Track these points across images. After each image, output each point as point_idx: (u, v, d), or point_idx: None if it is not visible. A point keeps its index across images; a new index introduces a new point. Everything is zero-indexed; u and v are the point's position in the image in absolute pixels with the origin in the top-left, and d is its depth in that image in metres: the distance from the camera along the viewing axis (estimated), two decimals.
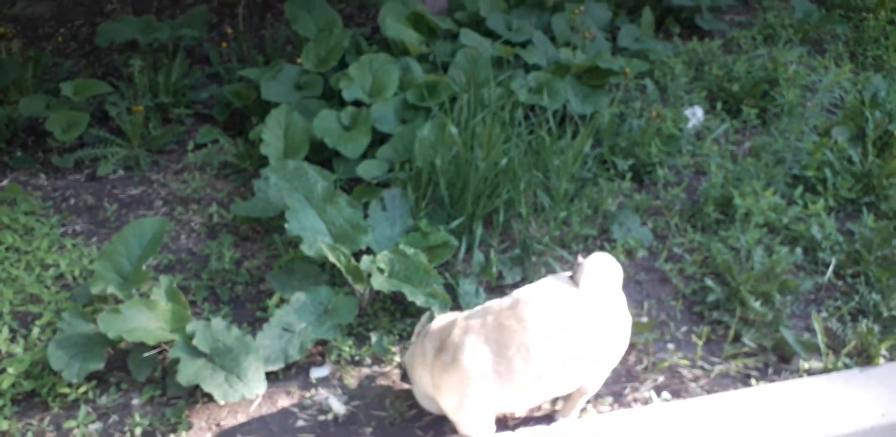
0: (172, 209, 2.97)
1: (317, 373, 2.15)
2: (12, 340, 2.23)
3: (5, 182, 3.12)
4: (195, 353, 1.99)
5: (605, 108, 3.23)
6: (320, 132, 3.00)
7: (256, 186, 2.80)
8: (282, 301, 2.29)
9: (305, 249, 2.30)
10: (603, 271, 1.82)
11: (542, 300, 1.76)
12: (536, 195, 2.67)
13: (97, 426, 1.98)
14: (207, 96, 3.72)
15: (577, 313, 1.76)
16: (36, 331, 2.19)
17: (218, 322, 2.05)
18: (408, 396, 2.09)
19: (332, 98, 3.36)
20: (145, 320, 2.02)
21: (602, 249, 2.65)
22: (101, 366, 2.04)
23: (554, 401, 2.01)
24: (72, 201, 3.02)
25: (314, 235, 2.35)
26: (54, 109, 3.32)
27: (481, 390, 1.73)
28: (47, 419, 2.01)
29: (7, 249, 2.60)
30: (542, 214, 2.65)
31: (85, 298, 2.26)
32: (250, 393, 1.94)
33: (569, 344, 1.74)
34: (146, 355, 2.06)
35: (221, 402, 1.97)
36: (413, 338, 2.16)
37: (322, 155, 3.04)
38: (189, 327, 2.02)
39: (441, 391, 1.77)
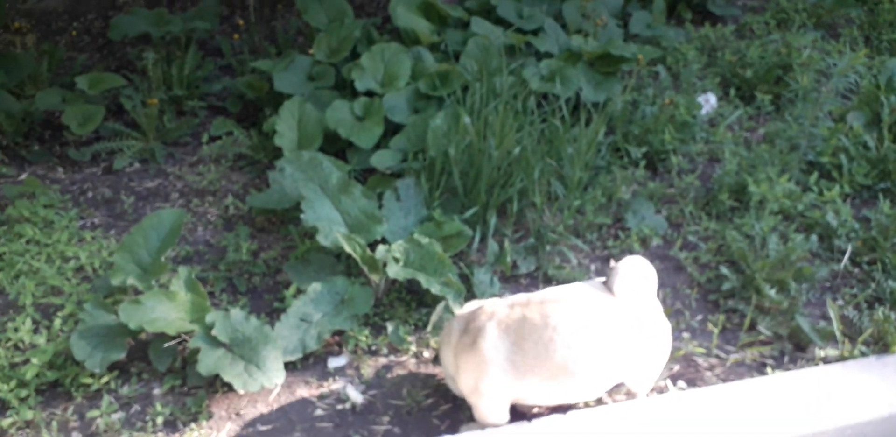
0: (189, 201, 3.00)
1: (334, 363, 2.18)
2: (35, 331, 2.27)
3: (24, 176, 3.16)
4: (215, 343, 2.02)
5: (617, 95, 3.22)
6: (333, 123, 3.01)
7: (271, 178, 2.83)
8: (299, 292, 2.31)
9: (321, 239, 2.32)
10: (638, 277, 1.82)
11: (569, 301, 1.77)
12: (550, 184, 2.67)
13: (120, 415, 2.02)
14: (220, 88, 3.74)
15: (606, 318, 1.77)
16: (58, 322, 2.23)
17: (237, 313, 2.07)
18: (424, 385, 2.12)
19: (345, 89, 3.37)
20: (165, 311, 2.05)
21: (616, 237, 2.65)
22: (122, 356, 2.07)
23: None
24: (89, 194, 3.06)
25: (330, 225, 2.37)
26: (70, 103, 3.35)
27: (496, 376, 1.76)
28: (71, 408, 2.05)
29: (28, 242, 2.64)
30: (555, 202, 2.65)
31: (105, 289, 2.29)
32: (269, 382, 1.97)
33: (591, 348, 1.75)
34: (167, 345, 2.10)
35: (241, 391, 2.00)
36: (429, 327, 2.18)
37: (336, 146, 3.06)
38: (208, 318, 2.05)
39: (460, 372, 1.82)
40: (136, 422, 2.01)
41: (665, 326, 1.88)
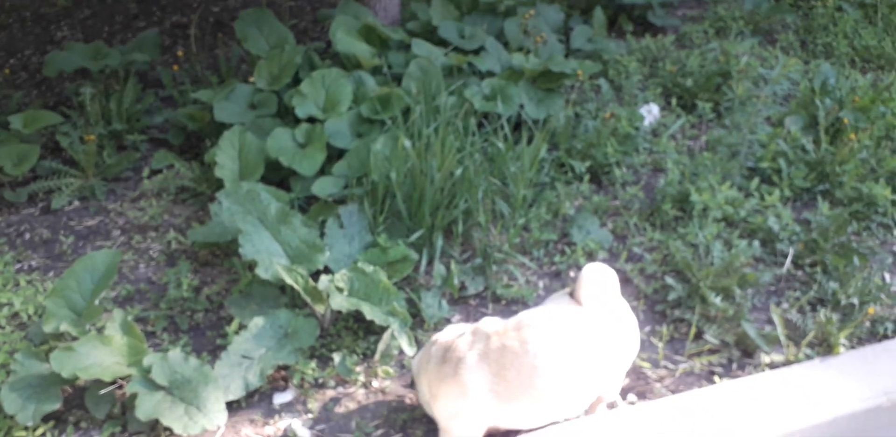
0: (130, 238, 2.93)
1: (280, 399, 2.12)
2: None
3: None
4: (153, 386, 1.96)
5: (559, 111, 3.24)
6: (275, 151, 2.98)
7: (212, 211, 2.78)
8: (241, 327, 2.26)
9: (261, 272, 2.28)
10: (600, 282, 1.82)
11: (545, 325, 1.76)
12: (495, 203, 2.67)
13: None
14: (162, 121, 3.68)
15: (582, 334, 1.77)
16: None
17: (175, 354, 2.01)
18: (374, 415, 2.07)
19: (287, 116, 3.34)
20: (101, 356, 1.99)
21: (563, 253, 2.65)
22: (57, 406, 2.00)
23: None
24: (27, 236, 2.97)
25: (269, 257, 2.33)
26: (4, 143, 3.27)
27: (477, 405, 1.76)
28: None
29: None
30: (501, 221, 2.64)
31: (39, 337, 2.22)
32: (211, 424, 1.92)
33: (573, 368, 1.75)
34: (103, 392, 2.03)
35: (183, 435, 1.94)
36: (377, 356, 2.15)
37: (279, 174, 3.02)
38: (146, 361, 1.99)
39: (437, 399, 1.80)
40: None
41: (633, 323, 1.89)
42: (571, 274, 2.54)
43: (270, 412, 2.09)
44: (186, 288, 2.52)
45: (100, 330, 2.19)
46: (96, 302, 2.15)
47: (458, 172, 2.58)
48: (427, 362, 1.85)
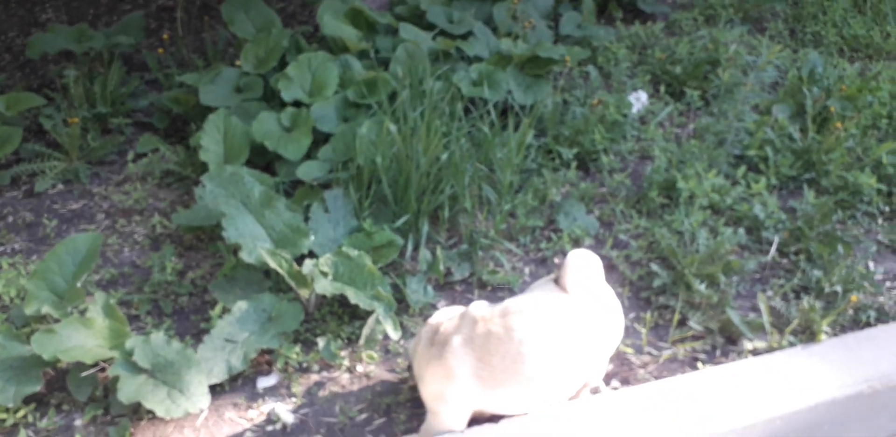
0: (115, 222, 2.90)
1: (263, 383, 2.12)
2: None
3: None
4: (136, 369, 1.95)
5: (547, 97, 3.23)
6: (260, 135, 2.95)
7: (197, 194, 2.75)
8: (225, 311, 2.25)
9: (245, 256, 2.26)
10: (585, 269, 1.82)
11: (531, 311, 1.76)
12: (481, 189, 2.66)
13: None
14: (147, 104, 3.64)
15: (568, 321, 1.77)
16: None
17: (158, 337, 2.00)
18: (358, 400, 2.07)
19: (273, 100, 3.31)
20: (82, 339, 1.97)
21: (549, 239, 2.65)
22: (38, 388, 1.98)
23: None
24: (9, 219, 2.93)
25: (253, 241, 2.31)
26: None
27: (461, 389, 1.76)
28: None
29: None
30: (487, 207, 2.63)
31: (21, 319, 2.19)
32: (194, 407, 1.91)
33: (559, 355, 1.75)
34: (85, 374, 2.01)
35: (166, 418, 1.93)
36: (361, 340, 2.15)
37: (264, 158, 3.00)
38: (128, 343, 1.98)
39: (424, 381, 1.81)
40: None
41: (617, 309, 1.90)
42: (557, 260, 2.54)
43: (254, 396, 2.08)
44: (170, 272, 2.50)
45: (82, 313, 2.17)
46: (78, 285, 2.13)
47: (445, 156, 2.56)
48: (418, 343, 1.87)
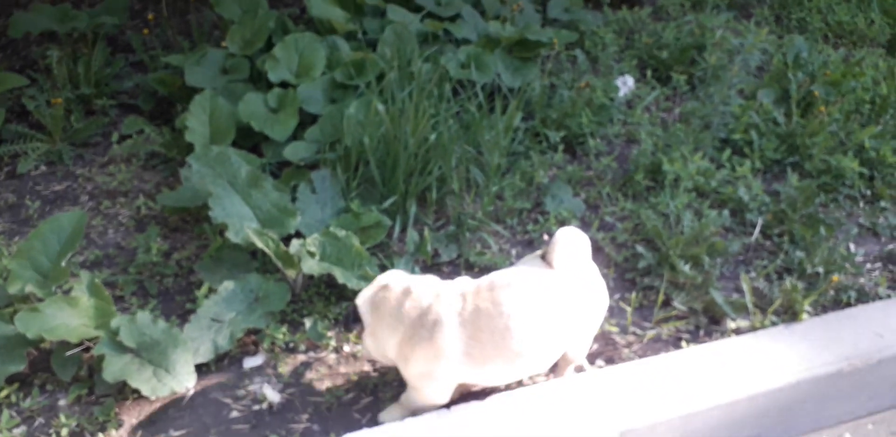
0: (99, 203, 2.88)
1: (250, 363, 2.12)
2: None
3: None
4: (121, 349, 1.94)
5: (535, 80, 3.23)
6: (246, 116, 2.93)
7: (183, 175, 2.74)
8: (211, 291, 2.24)
9: (232, 236, 2.26)
10: (573, 246, 1.83)
11: (517, 285, 1.77)
12: (469, 171, 2.66)
13: (21, 430, 1.93)
14: (132, 85, 3.59)
15: (553, 295, 1.78)
16: None
17: (144, 316, 2.00)
18: (345, 380, 2.08)
19: (260, 81, 3.28)
20: (67, 318, 1.96)
21: (536, 222, 2.66)
22: (21, 368, 1.97)
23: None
24: None
25: (240, 221, 2.30)
26: None
27: (450, 368, 1.77)
28: None
29: None
30: (475, 189, 2.64)
31: (4, 299, 2.17)
32: (180, 387, 1.91)
33: (544, 328, 1.76)
34: (69, 353, 2.00)
35: (152, 397, 1.93)
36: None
37: (250, 140, 2.97)
38: (114, 323, 1.97)
39: (410, 361, 1.79)
40: (39, 436, 1.92)
41: (602, 288, 1.91)
42: (544, 242, 2.55)
43: (241, 376, 2.09)
44: (156, 253, 2.49)
45: (66, 292, 2.16)
46: (62, 264, 2.12)
47: (433, 137, 2.56)
48: (395, 316, 1.80)
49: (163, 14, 4.05)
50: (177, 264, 2.49)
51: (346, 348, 2.17)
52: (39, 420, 1.95)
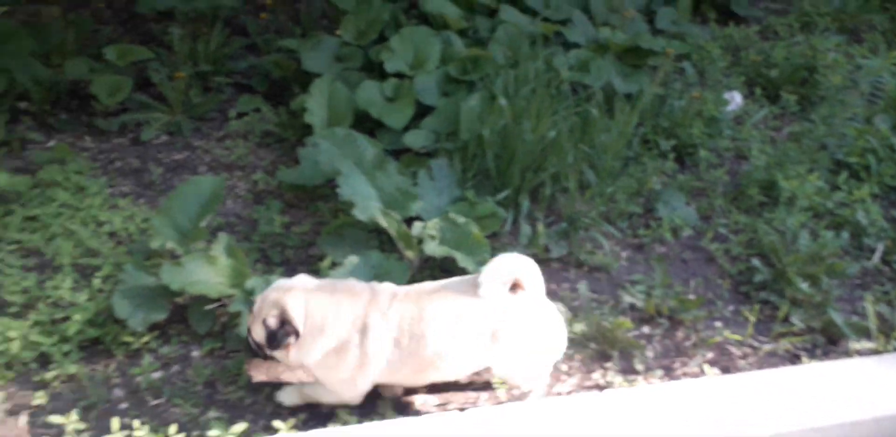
0: (216, 175, 2.99)
1: None
2: (75, 290, 2.26)
3: (52, 143, 3.14)
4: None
5: (647, 87, 3.24)
6: (364, 102, 3.02)
7: (302, 154, 2.84)
8: (334, 265, 2.31)
9: (358, 213, 2.32)
10: (504, 275, 1.79)
11: (441, 296, 1.80)
12: (582, 171, 2.69)
13: (160, 374, 2.03)
14: (246, 66, 3.72)
15: (472, 314, 1.79)
16: (97, 282, 2.23)
17: (277, 278, 2.07)
18: None
19: (372, 70, 3.37)
20: (206, 275, 2.05)
21: (647, 227, 2.67)
22: (163, 317, 2.07)
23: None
24: (117, 164, 3.04)
25: (365, 200, 2.37)
26: (98, 74, 3.33)
27: (373, 372, 1.81)
28: (112, 365, 2.06)
29: (61, 205, 2.63)
30: (588, 189, 2.66)
31: (143, 253, 2.29)
32: None
33: (456, 342, 1.79)
34: (208, 308, 2.09)
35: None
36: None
37: (364, 125, 3.05)
38: (249, 283, 2.05)
39: (333, 369, 1.82)
40: (176, 382, 2.01)
41: (546, 321, 1.86)
42: (656, 248, 2.57)
43: None
44: (278, 225, 2.57)
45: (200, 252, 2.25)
46: (201, 225, 2.21)
47: (551, 135, 2.59)
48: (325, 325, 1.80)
49: (276, 1, 4.19)
50: (297, 236, 2.57)
51: None
52: (175, 368, 2.05)
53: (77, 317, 2.05)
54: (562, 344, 1.91)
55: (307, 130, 3.07)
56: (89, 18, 3.96)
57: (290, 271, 2.42)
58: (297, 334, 1.76)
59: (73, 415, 1.89)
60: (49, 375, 1.99)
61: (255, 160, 3.09)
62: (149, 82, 3.50)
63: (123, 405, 1.95)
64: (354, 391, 1.85)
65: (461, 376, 1.90)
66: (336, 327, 1.77)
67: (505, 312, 1.80)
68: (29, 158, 3.02)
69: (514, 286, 1.80)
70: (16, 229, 2.51)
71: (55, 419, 1.88)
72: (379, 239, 2.46)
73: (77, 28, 3.69)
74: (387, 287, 1.87)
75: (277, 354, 1.82)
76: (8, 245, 2.45)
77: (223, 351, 2.10)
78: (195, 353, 2.09)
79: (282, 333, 1.75)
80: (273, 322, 1.76)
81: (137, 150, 3.14)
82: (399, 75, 3.19)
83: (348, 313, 1.78)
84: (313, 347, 1.78)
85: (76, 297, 2.17)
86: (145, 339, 2.10)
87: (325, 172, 2.60)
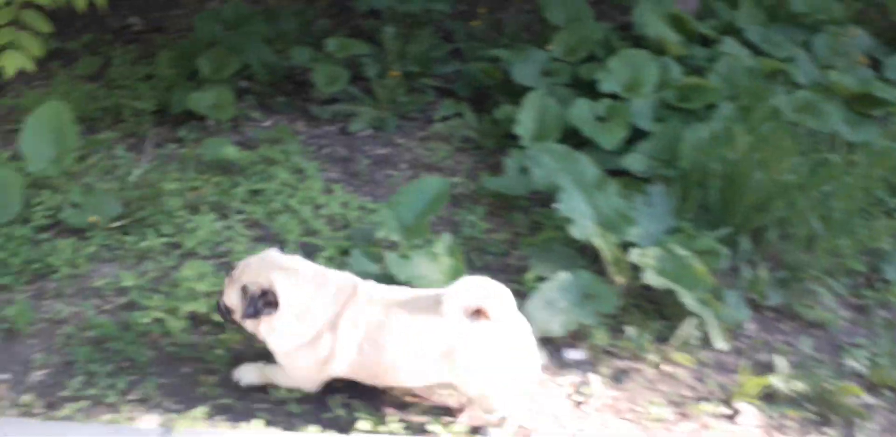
0: (416, 174, 3.06)
1: (572, 355, 2.14)
2: None
3: (268, 123, 3.33)
4: None
5: (876, 138, 3.02)
6: (576, 120, 3.00)
7: (507, 164, 2.86)
8: (540, 278, 2.29)
9: (574, 231, 2.29)
10: (467, 299, 1.75)
11: (408, 307, 1.80)
12: (809, 219, 2.52)
13: None
14: (451, 71, 3.79)
15: (434, 330, 1.78)
16: (321, 263, 2.32)
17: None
18: (663, 398, 2.03)
19: (578, 87, 3.34)
20: (428, 270, 2.09)
21: (871, 287, 2.47)
22: None
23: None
24: (325, 150, 3.18)
25: (582, 218, 2.34)
26: (319, 63, 3.50)
27: (332, 372, 1.85)
28: None
29: (282, 183, 2.78)
30: (813, 240, 2.49)
31: (362, 240, 2.36)
32: None
33: (415, 355, 1.79)
34: None
35: None
36: (673, 341, 2.10)
37: (571, 143, 3.02)
38: None
39: (297, 363, 1.86)
40: None
41: (512, 346, 1.79)
42: (880, 312, 2.37)
43: (562, 365, 2.11)
44: (480, 230, 2.59)
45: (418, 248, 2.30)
46: (424, 222, 2.26)
47: (788, 177, 2.45)
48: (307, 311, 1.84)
49: (486, 8, 4.26)
50: (498, 243, 2.58)
51: (667, 368, 2.13)
52: None
53: None
54: (532, 369, 1.86)
55: (507, 139, 3.09)
56: (311, 9, 4.20)
57: (493, 277, 2.42)
58: (276, 306, 1.79)
59: None
60: None
61: (453, 164, 3.14)
62: (358, 76, 3.65)
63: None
64: (312, 383, 1.91)
65: (418, 386, 1.92)
66: (312, 321, 1.81)
67: (462, 333, 1.76)
68: (248, 133, 3.22)
69: (479, 312, 1.75)
70: (240, 200, 2.67)
71: None
72: (590, 259, 2.40)
73: (299, 18, 3.92)
74: (368, 287, 1.87)
75: (248, 323, 1.86)
76: (236, 214, 2.61)
77: None
78: None
79: (262, 302, 1.79)
80: (255, 291, 1.80)
81: (344, 139, 3.27)
82: (612, 96, 3.15)
83: (327, 308, 1.81)
84: (285, 333, 1.83)
85: None
86: None
87: (537, 185, 2.60)
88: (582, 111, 3.04)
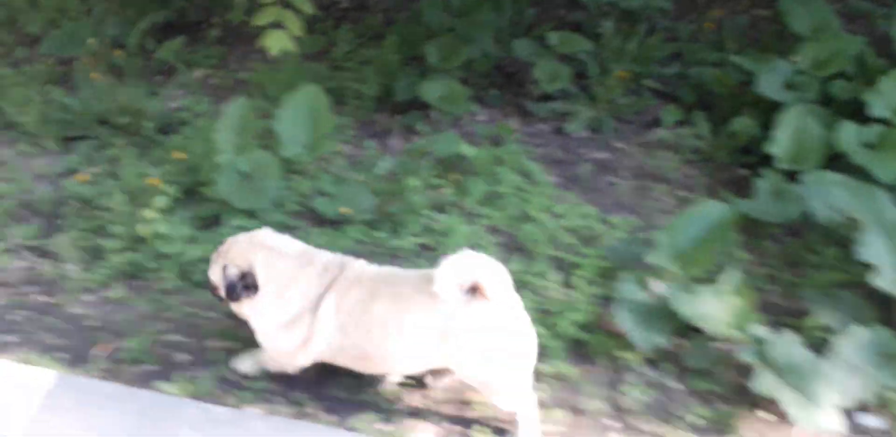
0: (642, 184, 2.84)
1: (865, 420, 1.87)
2: (561, 284, 2.20)
3: (482, 117, 3.18)
4: (765, 361, 1.80)
5: None
6: (843, 145, 2.67)
7: (759, 186, 2.58)
8: (826, 329, 2.01)
9: (880, 281, 2.00)
10: (460, 275, 1.61)
11: (399, 288, 1.70)
12: None
13: (647, 398, 1.90)
14: (673, 73, 3.52)
15: (425, 311, 1.66)
16: (580, 282, 2.15)
17: (788, 337, 1.83)
18: None
19: (826, 105, 3.00)
20: (714, 309, 1.88)
21: None
22: (664, 342, 1.92)
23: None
24: (540, 151, 3.00)
25: (886, 267, 2.04)
26: (541, 58, 3.31)
27: (313, 353, 1.77)
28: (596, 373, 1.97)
29: (513, 187, 2.62)
30: None
31: (618, 260, 2.16)
32: (827, 423, 1.71)
33: (405, 339, 1.68)
34: (712, 345, 1.91)
35: (794, 423, 1.76)
36: None
37: (833, 170, 2.71)
38: (753, 329, 1.84)
39: (277, 342, 1.80)
40: (659, 411, 1.87)
41: (508, 326, 1.66)
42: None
43: (853, 428, 1.85)
44: (740, 261, 2.34)
45: (702, 280, 2.06)
46: (705, 254, 2.03)
47: None
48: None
49: (721, 11, 3.93)
50: (760, 278, 2.31)
51: None
52: (657, 393, 1.91)
53: (572, 316, 1.97)
54: (529, 353, 1.71)
55: (741, 154, 2.86)
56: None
57: (769, 321, 2.16)
58: (255, 289, 1.74)
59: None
60: (546, 368, 1.93)
61: (682, 177, 2.89)
62: (574, 74, 3.43)
63: (605, 419, 1.84)
64: (293, 365, 1.84)
65: (409, 371, 1.83)
66: (292, 302, 1.73)
67: (456, 312, 1.63)
68: (467, 127, 3.07)
69: (475, 289, 1.62)
70: (477, 202, 2.52)
71: None
72: (876, 309, 2.11)
73: (516, 7, 3.72)
74: (356, 268, 1.76)
75: (232, 304, 1.82)
76: (477, 218, 2.47)
77: (712, 395, 1.91)
78: (672, 384, 1.93)
79: (241, 285, 1.74)
80: (234, 273, 1.73)
81: (558, 140, 3.08)
82: (881, 121, 2.79)
83: (310, 289, 1.73)
84: (265, 313, 1.77)
85: (563, 293, 2.11)
86: (629, 355, 1.98)
87: (815, 217, 2.31)
88: (847, 135, 2.71)
